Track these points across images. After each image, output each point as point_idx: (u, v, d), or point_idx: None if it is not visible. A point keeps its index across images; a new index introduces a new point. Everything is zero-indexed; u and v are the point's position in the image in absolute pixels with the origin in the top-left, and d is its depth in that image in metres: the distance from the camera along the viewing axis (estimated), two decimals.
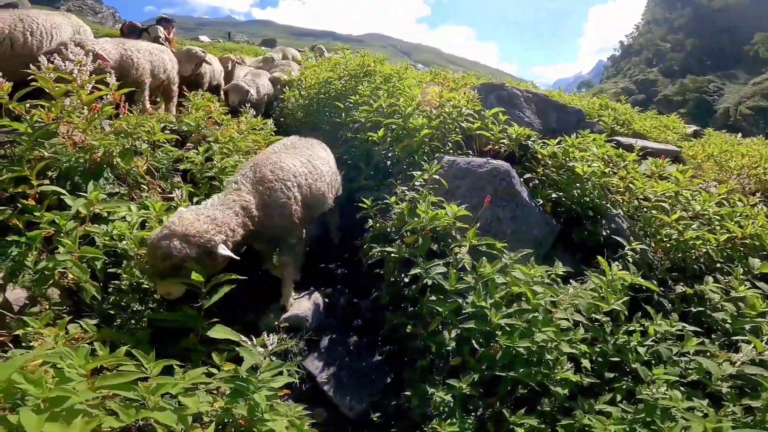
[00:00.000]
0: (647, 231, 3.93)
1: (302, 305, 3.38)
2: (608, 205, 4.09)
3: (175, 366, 1.84)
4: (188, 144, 3.77)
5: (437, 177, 3.22)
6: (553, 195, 3.79)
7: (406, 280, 3.11)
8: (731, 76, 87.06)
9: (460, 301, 2.67)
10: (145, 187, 3.06)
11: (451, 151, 4.12)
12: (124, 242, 2.48)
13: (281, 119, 6.72)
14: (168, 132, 3.82)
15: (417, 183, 3.46)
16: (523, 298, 2.63)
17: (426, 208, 2.82)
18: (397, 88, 5.16)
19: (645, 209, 4.08)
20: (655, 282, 3.27)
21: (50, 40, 3.99)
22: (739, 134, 10.18)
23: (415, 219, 2.87)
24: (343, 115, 4.93)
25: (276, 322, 3.15)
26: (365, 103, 5.03)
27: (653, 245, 3.78)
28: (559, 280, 2.94)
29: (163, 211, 2.68)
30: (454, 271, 2.75)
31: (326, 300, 3.66)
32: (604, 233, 3.85)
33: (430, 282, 2.70)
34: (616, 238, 3.58)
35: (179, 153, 3.51)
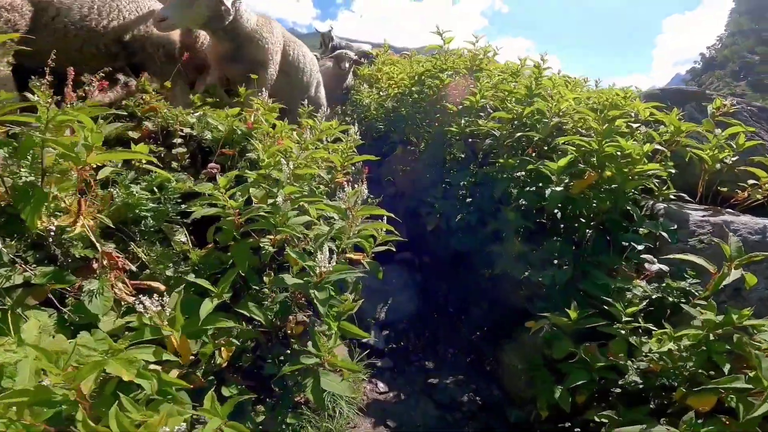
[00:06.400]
0: None
1: None
2: None
3: None
4: (210, 166, 2.04)
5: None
6: None
7: None
8: None
9: None
10: (98, 265, 1.34)
11: (672, 197, 2.27)
12: None
13: (346, 120, 5.00)
14: (180, 140, 2.19)
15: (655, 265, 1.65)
16: None
17: None
18: (533, 89, 3.32)
19: None
20: None
21: None
22: None
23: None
24: (462, 122, 3.14)
25: None
26: (493, 107, 3.27)
27: None
28: None
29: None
30: None
31: None
32: None
33: None
34: None
35: (186, 186, 1.84)
